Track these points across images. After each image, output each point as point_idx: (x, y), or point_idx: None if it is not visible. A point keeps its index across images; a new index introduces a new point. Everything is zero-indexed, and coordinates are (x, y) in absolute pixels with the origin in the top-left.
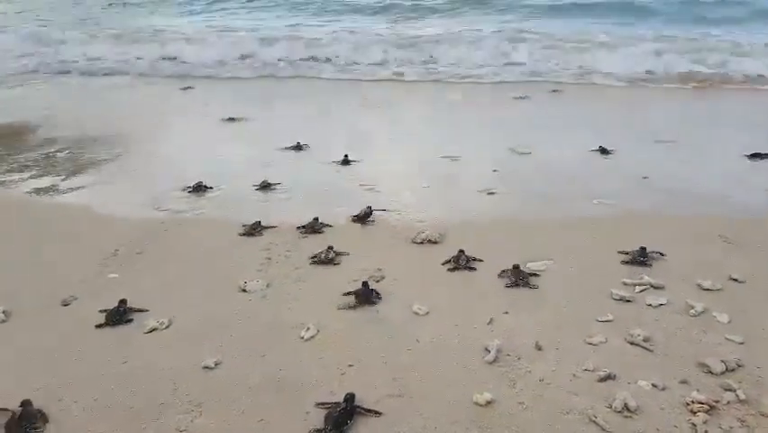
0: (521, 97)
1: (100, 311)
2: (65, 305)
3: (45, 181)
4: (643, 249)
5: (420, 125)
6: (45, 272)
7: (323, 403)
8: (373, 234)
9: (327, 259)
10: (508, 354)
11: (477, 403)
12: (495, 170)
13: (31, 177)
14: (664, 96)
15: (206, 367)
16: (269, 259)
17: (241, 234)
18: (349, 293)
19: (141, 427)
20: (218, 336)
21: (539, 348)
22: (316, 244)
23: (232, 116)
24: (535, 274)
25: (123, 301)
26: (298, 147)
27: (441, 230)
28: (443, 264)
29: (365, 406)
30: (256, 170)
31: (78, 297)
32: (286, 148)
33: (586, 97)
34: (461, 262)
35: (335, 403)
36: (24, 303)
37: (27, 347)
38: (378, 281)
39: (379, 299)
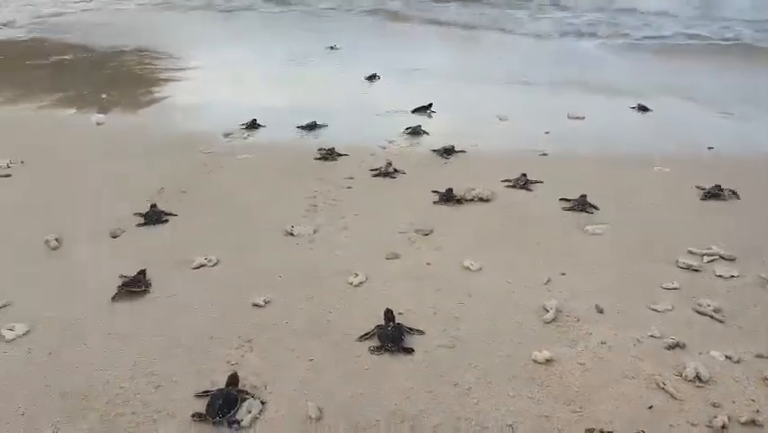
0: None
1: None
2: (114, 237)
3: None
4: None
5: None
6: (95, 204)
7: (365, 334)
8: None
9: (387, 172)
10: (567, 315)
11: (535, 361)
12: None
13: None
14: None
15: (256, 305)
16: (316, 206)
17: (316, 159)
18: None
19: (191, 359)
20: (266, 276)
21: (600, 311)
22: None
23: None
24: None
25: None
26: None
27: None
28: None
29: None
30: None
31: (126, 230)
32: None
33: None
34: (519, 183)
35: (378, 326)
36: (76, 233)
37: (76, 274)
38: (426, 235)
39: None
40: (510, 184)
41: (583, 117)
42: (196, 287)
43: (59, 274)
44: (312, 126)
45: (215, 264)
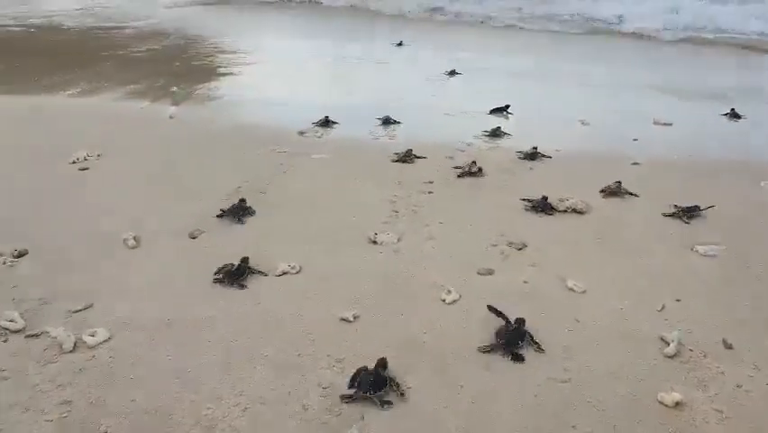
0: None
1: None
2: (193, 238)
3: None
4: None
5: None
6: (172, 201)
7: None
8: (511, 199)
9: (471, 172)
10: (691, 350)
11: (662, 403)
12: (635, 140)
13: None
14: None
15: (344, 320)
16: (397, 212)
17: (393, 161)
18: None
19: (281, 378)
20: (352, 288)
21: (728, 347)
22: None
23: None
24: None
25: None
26: None
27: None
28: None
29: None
30: None
31: (205, 231)
32: None
33: None
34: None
35: (507, 323)
36: (153, 231)
37: (156, 275)
38: (519, 249)
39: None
40: (606, 194)
41: (671, 124)
42: (281, 296)
43: (138, 275)
44: (387, 121)
45: (299, 272)
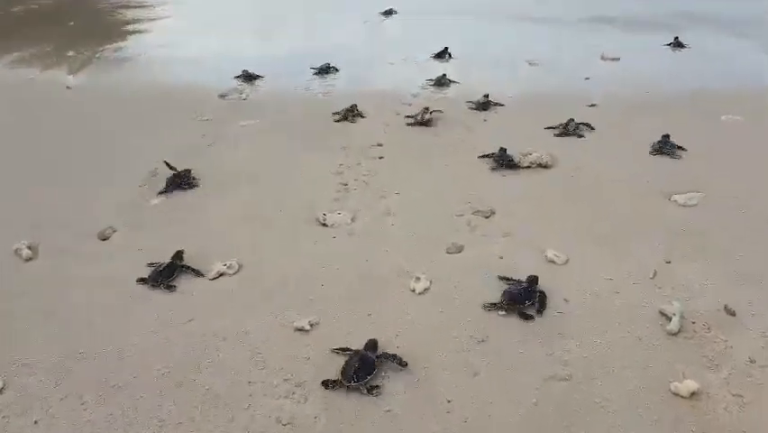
0: None
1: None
2: (103, 239)
3: None
4: None
5: None
6: (74, 196)
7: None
8: (469, 156)
9: (424, 120)
10: (693, 322)
11: (677, 394)
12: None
13: None
14: None
15: (300, 330)
16: (346, 185)
17: (336, 121)
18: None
19: (226, 416)
20: (304, 286)
21: (731, 313)
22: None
23: None
24: (687, 206)
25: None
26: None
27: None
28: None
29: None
30: None
31: (118, 228)
32: None
33: None
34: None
35: (517, 280)
36: (53, 237)
37: (56, 297)
38: (487, 217)
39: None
40: (558, 133)
41: (618, 58)
42: (218, 306)
43: (33, 298)
44: (324, 70)
45: (237, 271)
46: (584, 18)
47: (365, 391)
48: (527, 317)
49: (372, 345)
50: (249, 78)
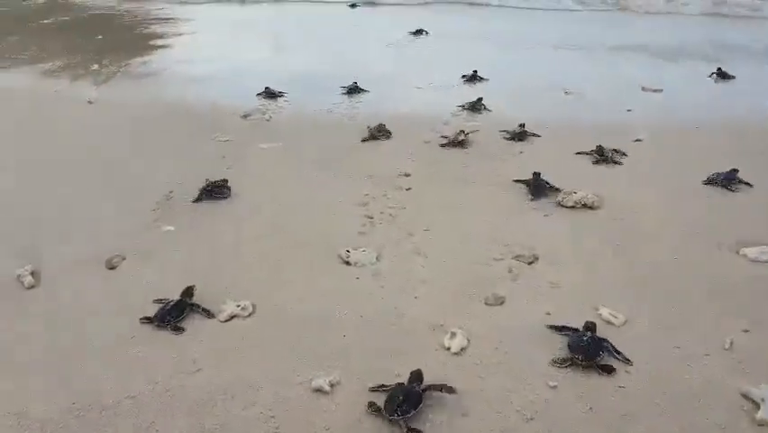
0: None
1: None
2: (111, 268)
3: None
4: None
5: None
6: (84, 220)
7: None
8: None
9: (457, 141)
10: None
11: None
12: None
13: None
14: None
15: (319, 390)
16: (372, 218)
17: (364, 140)
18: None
19: None
20: (324, 336)
21: None
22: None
23: None
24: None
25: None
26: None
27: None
28: None
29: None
30: None
31: (127, 256)
32: None
33: None
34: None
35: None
36: (57, 262)
37: (58, 331)
38: (530, 263)
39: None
40: (594, 160)
41: (661, 90)
42: (228, 355)
43: (34, 328)
44: (353, 90)
45: (251, 314)
46: (614, 46)
47: (404, 430)
48: (609, 370)
49: (417, 376)
50: (271, 95)
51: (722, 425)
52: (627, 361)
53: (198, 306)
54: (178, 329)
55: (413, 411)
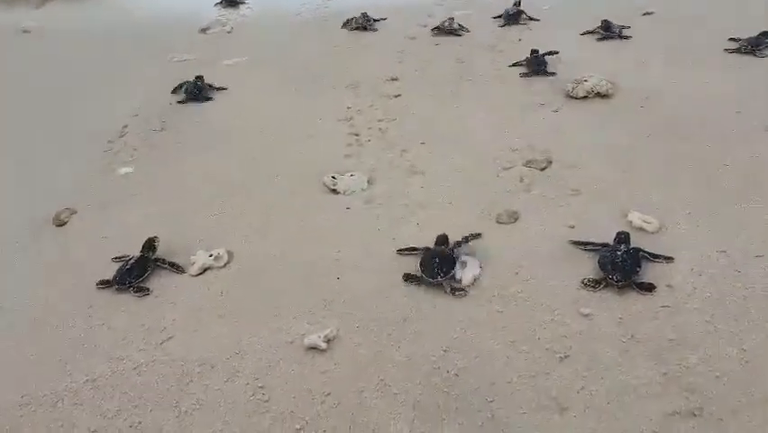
0: None
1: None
2: (59, 225)
3: None
4: None
5: None
6: (30, 166)
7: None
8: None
9: (450, 29)
10: None
11: None
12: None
13: None
14: None
15: (314, 348)
16: (358, 135)
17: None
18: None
19: None
20: (316, 281)
21: None
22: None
23: None
24: None
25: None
26: None
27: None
28: None
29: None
30: None
31: (78, 209)
32: None
33: None
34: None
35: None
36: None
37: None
38: (543, 169)
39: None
40: (600, 37)
41: None
42: (203, 315)
43: None
44: None
45: (227, 264)
46: None
47: (448, 291)
48: (649, 288)
49: (443, 239)
50: (232, 3)
51: None
52: (669, 259)
53: (164, 260)
54: (142, 290)
55: (452, 271)
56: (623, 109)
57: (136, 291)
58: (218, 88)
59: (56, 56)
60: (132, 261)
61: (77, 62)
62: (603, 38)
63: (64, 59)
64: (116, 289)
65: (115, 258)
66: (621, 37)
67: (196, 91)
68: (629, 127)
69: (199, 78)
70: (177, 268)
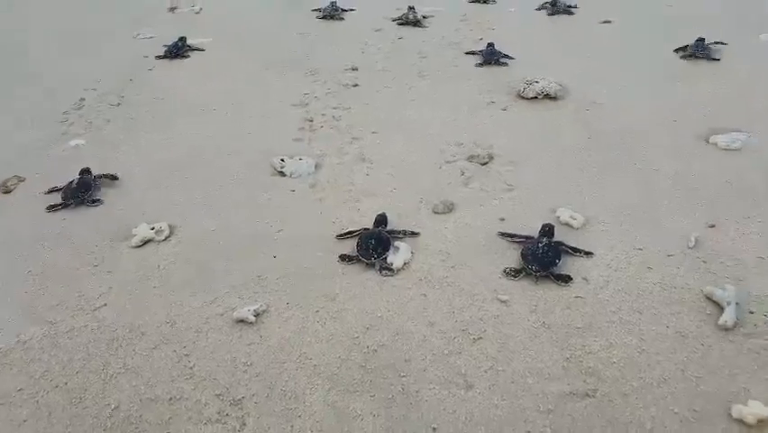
0: None
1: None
2: (6, 192)
3: None
4: None
5: None
6: None
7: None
8: (461, 83)
9: (414, 20)
10: (751, 312)
11: (741, 422)
12: None
13: None
14: None
15: (242, 321)
16: (311, 121)
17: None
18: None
19: None
20: (252, 259)
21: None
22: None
23: None
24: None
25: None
26: None
27: (561, 81)
28: None
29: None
30: None
31: (27, 177)
32: None
33: None
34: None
35: (525, 236)
36: None
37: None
38: (484, 164)
39: (506, 61)
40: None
41: None
42: (139, 285)
43: None
44: None
45: (167, 237)
46: None
47: (378, 269)
48: (566, 280)
49: (382, 219)
50: None
51: (684, 333)
52: (589, 253)
53: (102, 175)
54: (97, 201)
55: (386, 253)
56: (569, 112)
57: (91, 203)
58: (196, 49)
59: (16, 25)
60: (75, 180)
61: (40, 30)
62: (552, 13)
63: (24, 28)
64: (74, 205)
65: (50, 189)
66: (566, 12)
67: (175, 50)
68: (572, 129)
69: (182, 38)
70: (112, 177)
